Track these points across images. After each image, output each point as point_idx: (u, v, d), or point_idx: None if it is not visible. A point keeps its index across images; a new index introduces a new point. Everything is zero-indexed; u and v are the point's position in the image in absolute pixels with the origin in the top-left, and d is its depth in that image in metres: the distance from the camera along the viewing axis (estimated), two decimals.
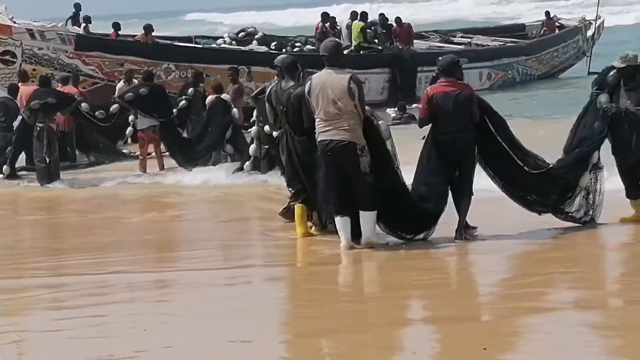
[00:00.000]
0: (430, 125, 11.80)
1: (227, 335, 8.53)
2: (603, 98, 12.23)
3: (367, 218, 11.49)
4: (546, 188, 12.21)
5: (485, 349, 7.74)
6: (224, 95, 18.76)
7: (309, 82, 11.51)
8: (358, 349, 8.02)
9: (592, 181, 12.32)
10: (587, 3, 36.86)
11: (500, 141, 11.90)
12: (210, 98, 18.93)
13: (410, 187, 11.92)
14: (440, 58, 12.19)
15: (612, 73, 12.48)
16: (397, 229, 11.89)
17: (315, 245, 12.09)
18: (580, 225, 12.35)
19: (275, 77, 13.14)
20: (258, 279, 11.17)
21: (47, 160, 18.29)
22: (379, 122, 11.78)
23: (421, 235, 11.89)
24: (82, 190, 17.84)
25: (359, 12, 29.69)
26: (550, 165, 12.19)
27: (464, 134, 11.63)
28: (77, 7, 28.89)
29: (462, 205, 11.76)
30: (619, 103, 12.14)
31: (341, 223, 11.57)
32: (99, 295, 10.28)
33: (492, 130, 11.88)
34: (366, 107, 11.64)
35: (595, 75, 13.73)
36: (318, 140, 11.45)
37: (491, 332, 8.32)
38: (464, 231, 11.78)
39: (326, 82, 11.25)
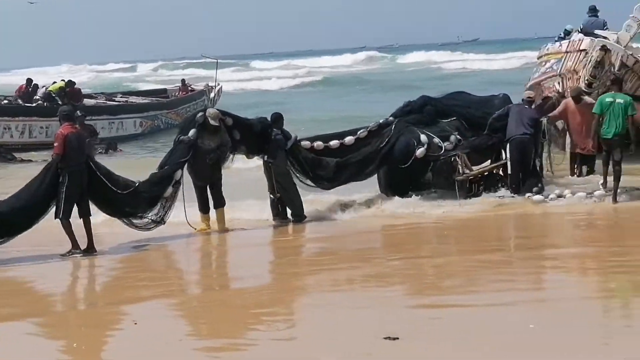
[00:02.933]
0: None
1: None
2: (191, 132, 12.68)
3: None
4: (138, 201, 12.17)
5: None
6: None
7: None
8: None
9: (171, 193, 12.46)
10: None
11: (99, 174, 11.74)
12: None
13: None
14: (61, 108, 11.85)
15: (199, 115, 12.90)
16: None
17: None
18: (152, 229, 12.27)
19: None
20: None
21: None
22: None
23: None
24: None
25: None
26: (137, 184, 12.19)
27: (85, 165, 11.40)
28: None
29: (87, 225, 11.45)
30: (204, 144, 12.64)
31: None
32: None
33: (94, 167, 11.74)
34: None
35: None
36: None
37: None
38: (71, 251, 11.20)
39: None
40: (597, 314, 7.79)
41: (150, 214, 12.35)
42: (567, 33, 19.17)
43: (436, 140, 13.90)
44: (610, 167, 13.44)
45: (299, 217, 13.07)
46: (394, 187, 14.00)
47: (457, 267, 9.91)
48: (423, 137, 13.84)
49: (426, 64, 71.76)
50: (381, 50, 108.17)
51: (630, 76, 16.12)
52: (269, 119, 13.51)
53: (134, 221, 12.34)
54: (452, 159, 13.86)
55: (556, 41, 19.07)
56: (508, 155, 13.94)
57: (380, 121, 14.39)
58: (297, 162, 13.43)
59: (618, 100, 13.46)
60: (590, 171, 14.98)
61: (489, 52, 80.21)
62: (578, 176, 15.03)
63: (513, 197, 13.52)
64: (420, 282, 9.35)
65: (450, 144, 13.96)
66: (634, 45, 17.20)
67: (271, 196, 13.20)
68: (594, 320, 7.54)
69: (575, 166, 15.26)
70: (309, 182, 13.57)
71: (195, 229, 12.65)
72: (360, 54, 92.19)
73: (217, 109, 13.38)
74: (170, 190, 12.47)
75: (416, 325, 7.47)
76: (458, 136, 14.13)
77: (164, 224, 12.46)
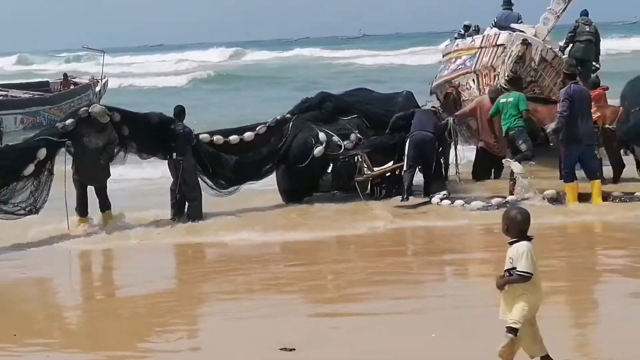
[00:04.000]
0: None
1: None
2: (69, 121, 12.37)
3: None
4: None
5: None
6: None
7: None
8: None
9: (35, 173, 12.03)
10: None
11: None
12: None
13: None
14: None
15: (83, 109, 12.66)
16: None
17: None
18: (23, 215, 11.98)
19: None
20: None
21: None
22: None
23: None
24: None
25: None
26: None
27: None
28: None
29: None
30: (91, 142, 12.38)
31: None
32: None
33: None
34: None
35: None
36: None
37: None
38: None
39: None
40: (498, 322, 7.84)
41: (18, 200, 11.97)
42: (467, 28, 19.39)
43: (335, 138, 13.84)
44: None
45: (197, 217, 12.81)
46: (291, 188, 13.92)
47: (357, 275, 9.88)
48: (322, 135, 13.76)
49: (326, 59, 71.64)
50: (279, 43, 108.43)
51: (549, 71, 16.35)
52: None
53: (2, 207, 11.93)
54: (353, 158, 13.84)
55: (456, 38, 19.18)
56: (406, 152, 13.80)
57: (278, 117, 14.30)
58: (197, 156, 13.24)
59: (509, 99, 13.95)
60: (499, 174, 15.06)
61: (392, 47, 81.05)
62: (489, 178, 15.03)
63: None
64: (320, 290, 9.32)
65: (350, 143, 13.91)
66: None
67: (176, 195, 12.90)
68: (496, 328, 7.58)
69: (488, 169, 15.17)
70: (207, 179, 13.42)
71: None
72: (251, 48, 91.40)
73: (103, 105, 13.06)
74: (31, 168, 12.05)
75: (314, 335, 7.42)
76: (359, 135, 14.08)
77: (37, 213, 12.13)
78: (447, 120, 14.52)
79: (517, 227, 5.82)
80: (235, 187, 13.79)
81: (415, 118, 14.03)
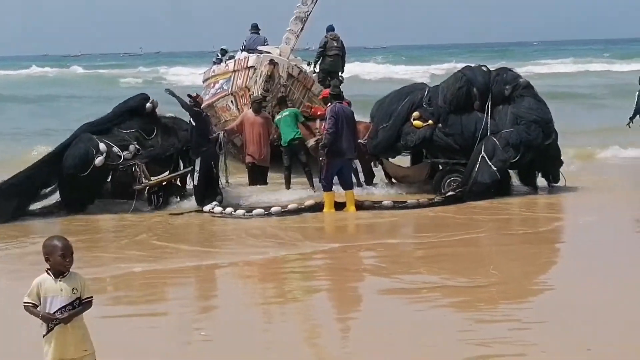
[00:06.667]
0: None
1: None
2: None
3: None
4: None
5: None
6: None
7: None
8: None
9: None
10: None
11: None
12: None
13: None
14: None
15: None
16: None
17: None
18: None
19: None
20: None
21: None
22: None
23: None
24: None
25: None
26: None
27: None
28: None
29: None
30: None
31: None
32: None
33: None
34: None
35: None
36: None
37: None
38: None
39: None
40: (260, 321, 8.16)
41: None
42: (224, 53, 20.69)
43: (115, 149, 13.98)
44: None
45: None
46: (73, 197, 14.01)
47: (135, 278, 9.85)
48: (102, 146, 13.85)
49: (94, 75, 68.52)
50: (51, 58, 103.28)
51: (297, 85, 17.61)
52: None
53: None
54: (132, 168, 14.17)
55: (214, 62, 20.25)
56: (198, 168, 14.50)
57: None
58: None
59: (285, 114, 15.29)
60: (264, 182, 15.98)
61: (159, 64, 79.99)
62: (251, 185, 15.86)
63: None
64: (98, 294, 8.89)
65: (129, 154, 14.12)
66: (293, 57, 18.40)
67: None
68: (257, 327, 7.85)
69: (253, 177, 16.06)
70: None
71: None
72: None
73: None
74: None
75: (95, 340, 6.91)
76: (137, 146, 14.33)
77: None
78: (218, 134, 15.22)
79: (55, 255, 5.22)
80: None
81: (199, 129, 14.42)
